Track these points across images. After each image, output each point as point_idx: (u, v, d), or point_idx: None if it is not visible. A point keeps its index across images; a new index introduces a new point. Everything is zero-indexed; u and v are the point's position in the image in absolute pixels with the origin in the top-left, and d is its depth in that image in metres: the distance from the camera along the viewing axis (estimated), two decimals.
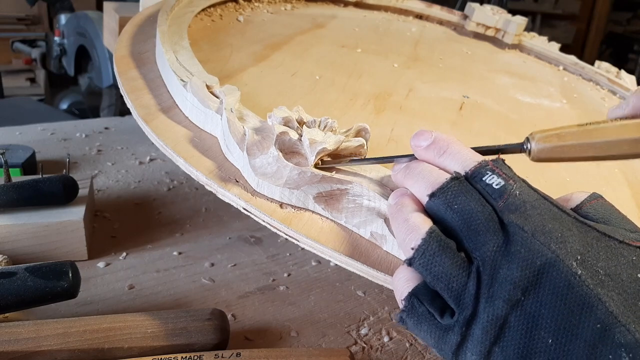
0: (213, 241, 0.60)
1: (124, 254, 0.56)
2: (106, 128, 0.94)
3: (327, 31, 0.77)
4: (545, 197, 0.27)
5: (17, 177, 0.57)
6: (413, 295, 0.27)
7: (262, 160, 0.35)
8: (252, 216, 0.35)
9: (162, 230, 0.62)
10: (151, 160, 0.81)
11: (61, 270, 0.41)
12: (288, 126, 0.35)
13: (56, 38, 2.52)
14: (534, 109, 0.67)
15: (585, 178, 0.50)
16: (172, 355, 0.38)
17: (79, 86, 2.51)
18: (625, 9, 4.09)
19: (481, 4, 1.00)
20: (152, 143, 0.42)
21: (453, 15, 0.99)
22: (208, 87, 0.42)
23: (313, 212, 0.35)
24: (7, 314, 0.42)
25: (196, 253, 0.58)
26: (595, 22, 4.01)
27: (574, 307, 0.24)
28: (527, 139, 0.30)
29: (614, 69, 0.90)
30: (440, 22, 1.00)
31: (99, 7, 2.40)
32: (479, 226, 0.26)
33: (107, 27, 1.02)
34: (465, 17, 0.98)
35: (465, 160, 0.29)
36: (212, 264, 0.56)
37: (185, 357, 0.38)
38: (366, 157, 0.36)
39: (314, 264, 0.58)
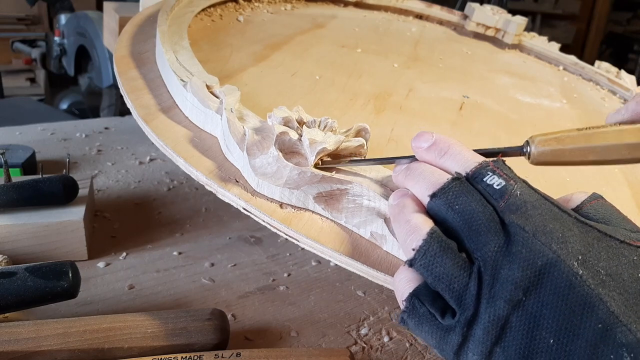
0: (213, 241, 0.60)
1: (124, 254, 0.56)
2: (106, 128, 0.94)
3: (327, 31, 0.77)
4: (546, 198, 0.27)
5: (17, 177, 0.57)
6: (414, 295, 0.27)
7: (262, 160, 0.35)
8: (252, 216, 0.35)
9: (162, 230, 0.62)
10: (151, 160, 0.81)
11: (61, 270, 0.41)
12: (288, 126, 0.35)
13: (56, 38, 2.52)
14: (534, 109, 0.67)
15: (585, 178, 0.50)
16: (172, 355, 0.38)
17: (79, 86, 2.51)
18: (625, 9, 4.09)
19: (481, 4, 1.00)
20: (152, 143, 0.42)
21: (453, 15, 0.99)
22: (208, 87, 0.42)
23: (313, 212, 0.35)
24: (7, 314, 0.42)
25: (196, 253, 0.58)
26: (595, 22, 4.01)
27: (576, 307, 0.24)
28: (527, 142, 0.31)
29: (614, 69, 0.90)
30: (440, 22, 1.00)
31: (99, 7, 2.40)
32: (480, 226, 0.26)
33: (107, 27, 1.02)
34: (465, 17, 0.98)
35: (466, 161, 0.29)
36: (212, 264, 0.56)
37: (185, 357, 0.38)
38: (366, 157, 0.36)
39: (314, 264, 0.58)
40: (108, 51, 1.59)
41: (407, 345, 0.47)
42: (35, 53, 2.98)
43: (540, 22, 3.91)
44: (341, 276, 0.56)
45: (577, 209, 0.29)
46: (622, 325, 0.23)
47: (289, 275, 0.55)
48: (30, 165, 0.70)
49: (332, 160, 0.35)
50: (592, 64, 0.92)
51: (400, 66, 0.69)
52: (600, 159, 0.30)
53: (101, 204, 0.66)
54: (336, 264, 0.34)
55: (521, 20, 0.94)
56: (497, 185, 0.28)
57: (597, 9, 3.99)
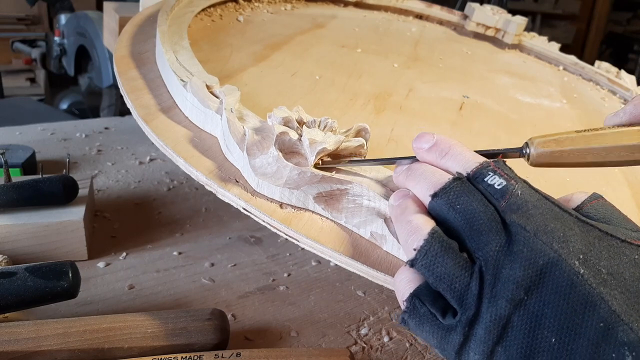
0: (213, 241, 0.60)
1: (124, 254, 0.56)
2: (106, 128, 0.94)
3: (327, 31, 0.77)
4: (546, 197, 0.28)
5: (17, 177, 0.57)
6: (415, 296, 0.27)
7: (262, 161, 0.35)
8: (252, 216, 0.35)
9: (162, 230, 0.62)
10: (151, 160, 0.81)
11: (61, 270, 0.41)
12: (288, 126, 0.35)
13: (56, 38, 2.52)
14: (534, 109, 0.67)
15: (585, 178, 0.50)
16: (172, 355, 0.38)
17: (79, 86, 2.51)
18: (625, 9, 4.09)
19: (481, 4, 1.00)
20: (152, 143, 0.42)
21: (453, 15, 0.99)
22: (208, 87, 0.42)
23: (313, 212, 0.35)
24: (7, 314, 0.42)
25: (196, 253, 0.58)
26: (595, 22, 4.01)
27: (577, 306, 0.24)
28: (526, 144, 0.31)
29: (614, 69, 0.90)
30: (440, 22, 1.00)
31: (99, 7, 2.40)
32: (481, 226, 0.26)
33: (107, 27, 1.02)
34: (465, 17, 0.98)
35: (467, 162, 0.29)
36: (212, 264, 0.56)
37: (185, 357, 0.38)
38: (366, 157, 0.36)
39: (314, 264, 0.58)
40: (108, 51, 1.59)
41: (407, 345, 0.47)
42: (35, 53, 2.98)
43: (540, 22, 3.90)
44: (341, 276, 0.56)
45: (577, 209, 0.29)
46: (624, 324, 0.23)
47: (289, 275, 0.55)
48: (30, 165, 0.70)
49: (332, 160, 0.35)
50: (592, 64, 0.92)
51: (400, 66, 0.69)
52: (598, 160, 0.30)
53: (101, 204, 0.66)
54: (336, 264, 0.34)
55: (521, 20, 0.94)
56: (498, 185, 0.28)
57: (597, 9, 3.99)
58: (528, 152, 0.31)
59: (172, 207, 0.67)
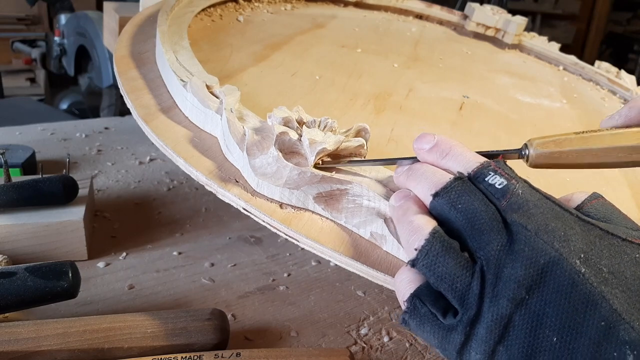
0: (213, 241, 0.60)
1: (124, 254, 0.56)
2: (106, 128, 0.94)
3: (327, 31, 0.77)
4: (547, 197, 0.28)
5: (17, 177, 0.57)
6: (415, 296, 0.27)
7: (262, 161, 0.35)
8: (252, 216, 0.35)
9: (162, 230, 0.62)
10: (151, 160, 0.81)
11: (61, 270, 0.41)
12: (288, 126, 0.35)
13: (56, 38, 2.52)
14: (534, 109, 0.67)
15: (585, 178, 0.50)
16: (172, 355, 0.38)
17: (79, 86, 2.51)
18: (625, 9, 4.09)
19: (481, 4, 1.00)
20: (152, 143, 0.42)
21: (453, 15, 0.99)
22: (208, 87, 0.42)
23: (313, 212, 0.35)
24: (7, 314, 0.42)
25: (196, 253, 0.58)
26: (595, 22, 4.01)
27: (578, 305, 0.24)
28: (525, 145, 0.31)
29: (614, 69, 0.90)
30: (440, 22, 1.00)
31: (99, 7, 2.40)
32: (483, 225, 0.26)
33: (107, 27, 1.02)
34: (465, 17, 0.98)
35: (468, 162, 0.29)
36: (212, 264, 0.56)
37: (185, 357, 0.38)
38: (366, 157, 0.36)
39: (314, 264, 0.58)
40: (108, 51, 1.59)
41: (407, 345, 0.47)
42: (35, 53, 2.98)
43: (540, 22, 3.90)
44: (341, 276, 0.56)
45: (577, 209, 0.29)
46: (625, 322, 0.23)
47: (289, 275, 0.55)
48: (30, 165, 0.70)
49: (332, 160, 0.35)
50: (592, 64, 0.92)
51: (400, 66, 0.69)
52: (597, 161, 0.30)
53: (101, 204, 0.66)
54: (336, 264, 0.34)
55: (521, 20, 0.94)
56: (499, 185, 0.28)
57: (597, 9, 3.99)
58: (527, 153, 0.31)
59: (172, 207, 0.67)
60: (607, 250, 0.25)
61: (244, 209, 0.36)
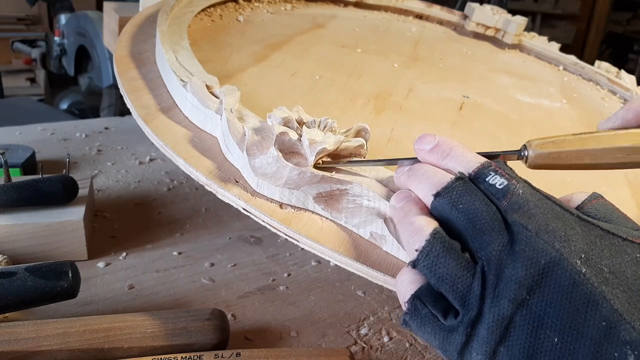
0: (213, 241, 0.60)
1: (124, 254, 0.56)
2: (106, 128, 0.94)
3: (327, 31, 0.77)
4: (547, 197, 0.28)
5: (17, 177, 0.57)
6: (416, 297, 0.27)
7: (261, 161, 0.35)
8: (252, 216, 0.35)
9: (162, 230, 0.62)
10: (151, 160, 0.81)
11: (61, 270, 0.41)
12: (288, 126, 0.35)
13: (56, 38, 2.52)
14: (534, 109, 0.67)
15: (585, 178, 0.50)
16: (172, 355, 0.38)
17: (79, 86, 2.51)
18: (625, 9, 4.09)
19: (481, 4, 1.00)
20: (152, 143, 0.42)
21: (453, 15, 0.99)
22: (208, 87, 0.42)
23: (313, 212, 0.35)
24: (7, 314, 0.42)
25: (196, 253, 0.58)
26: (595, 22, 4.01)
27: (579, 305, 0.24)
28: (524, 146, 0.31)
29: (614, 69, 0.90)
30: (440, 22, 1.00)
31: (99, 7, 2.40)
32: (484, 225, 0.26)
33: (107, 27, 1.02)
34: (465, 17, 0.98)
35: (469, 162, 0.30)
36: (212, 264, 0.56)
37: (185, 357, 0.38)
38: (366, 157, 0.36)
39: (314, 264, 0.58)
40: (108, 51, 1.59)
41: (407, 345, 0.47)
42: (35, 53, 2.98)
43: (540, 22, 3.90)
44: (341, 276, 0.56)
45: (578, 209, 0.29)
46: (626, 322, 0.23)
47: (289, 275, 0.55)
48: (30, 165, 0.70)
49: (332, 160, 0.35)
50: (592, 64, 0.92)
51: (400, 66, 0.69)
52: (595, 162, 0.31)
53: (101, 204, 0.66)
54: (336, 264, 0.34)
55: (521, 20, 0.94)
56: (500, 185, 0.28)
57: (597, 9, 3.99)
58: (526, 154, 0.31)
59: (172, 207, 0.67)
60: (607, 250, 0.25)
61: (244, 209, 0.36)
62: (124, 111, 0.72)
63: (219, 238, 0.61)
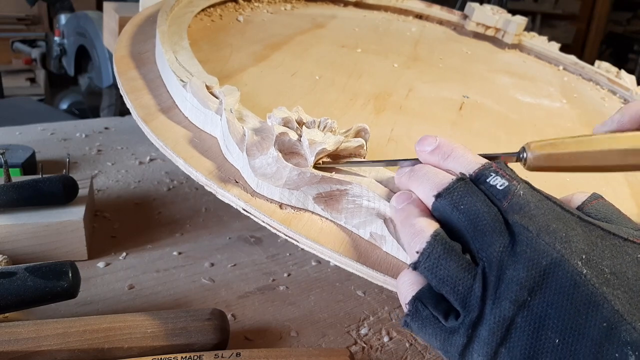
0: (213, 241, 0.60)
1: (124, 254, 0.56)
2: (106, 128, 0.94)
3: (327, 31, 0.77)
4: (548, 197, 0.28)
5: (17, 177, 0.57)
6: (417, 299, 0.27)
7: (261, 161, 0.35)
8: (252, 217, 0.35)
9: (162, 230, 0.62)
10: (151, 160, 0.81)
11: (61, 270, 0.41)
12: (287, 127, 0.35)
13: (56, 38, 2.52)
14: (534, 109, 0.67)
15: (585, 178, 0.50)
16: (172, 355, 0.38)
17: (79, 86, 2.51)
18: (625, 9, 4.09)
19: (481, 3, 1.00)
20: (152, 143, 0.42)
21: (453, 15, 0.99)
22: (208, 87, 0.42)
23: (313, 212, 0.35)
24: (7, 314, 0.42)
25: (196, 253, 0.58)
26: (595, 22, 4.01)
27: (580, 306, 0.24)
28: (523, 149, 0.32)
29: (614, 69, 0.90)
30: (440, 22, 1.00)
31: (99, 7, 2.40)
32: (485, 226, 0.26)
33: (107, 27, 1.02)
34: (465, 17, 0.98)
35: (469, 163, 0.30)
36: (212, 264, 0.56)
37: (185, 357, 0.38)
38: (366, 157, 0.36)
39: (314, 264, 0.58)
40: (108, 51, 1.59)
41: (407, 345, 0.47)
42: (35, 53, 2.98)
43: (540, 22, 3.90)
44: (341, 276, 0.56)
45: (578, 209, 0.29)
46: (627, 323, 0.23)
47: (289, 275, 0.55)
48: (30, 165, 0.70)
49: (332, 160, 0.35)
50: (592, 64, 0.92)
51: (400, 66, 0.69)
52: (593, 164, 0.31)
53: (101, 204, 0.66)
54: (336, 264, 0.34)
55: (521, 20, 0.94)
56: (500, 186, 0.28)
57: (597, 9, 3.99)
58: (525, 156, 0.31)
59: (172, 207, 0.67)
60: (608, 250, 0.25)
61: (244, 209, 0.36)
62: (124, 111, 0.72)
63: (219, 238, 0.61)
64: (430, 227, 0.28)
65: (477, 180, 0.29)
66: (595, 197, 0.30)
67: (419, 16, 0.99)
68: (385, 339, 0.47)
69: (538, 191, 0.28)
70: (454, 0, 2.33)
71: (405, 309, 0.28)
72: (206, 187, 0.37)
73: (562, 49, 0.97)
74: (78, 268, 0.42)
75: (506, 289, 0.25)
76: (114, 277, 0.52)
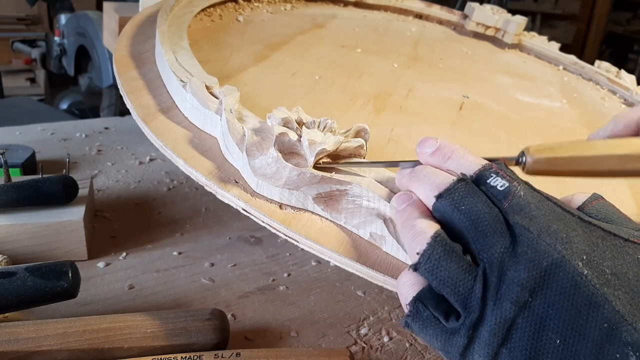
0: (213, 241, 0.60)
1: (124, 254, 0.56)
2: (106, 128, 0.94)
3: (327, 31, 0.77)
4: (548, 198, 0.28)
5: (17, 177, 0.57)
6: (418, 299, 0.27)
7: (261, 161, 0.35)
8: (252, 217, 0.35)
9: (162, 230, 0.62)
10: (151, 160, 0.81)
11: (61, 270, 0.41)
12: (287, 127, 0.35)
13: (56, 38, 2.52)
14: (534, 109, 0.67)
15: (585, 179, 0.50)
16: (172, 355, 0.38)
17: (79, 86, 2.51)
18: (625, 9, 4.09)
19: (481, 3, 1.00)
20: (152, 143, 0.42)
21: (453, 15, 0.99)
22: (207, 87, 0.42)
23: (312, 212, 0.35)
24: (7, 314, 0.42)
25: (196, 253, 0.58)
26: (595, 22, 4.01)
27: (581, 307, 0.24)
28: (522, 153, 0.32)
29: (614, 69, 0.90)
30: (440, 22, 1.00)
31: (99, 7, 2.40)
32: (486, 227, 0.26)
33: (107, 27, 1.02)
34: (465, 16, 0.98)
35: (470, 164, 0.30)
36: (212, 264, 0.56)
37: (185, 357, 0.38)
38: (366, 157, 0.36)
39: (314, 264, 0.58)
40: (108, 51, 1.59)
41: (407, 345, 0.47)
42: (35, 53, 2.98)
43: (540, 22, 3.90)
44: (341, 276, 0.56)
45: (579, 210, 0.29)
46: (628, 324, 0.23)
47: (289, 275, 0.55)
48: (30, 165, 0.70)
49: (332, 161, 0.35)
50: (592, 63, 0.92)
51: (400, 66, 0.69)
52: (592, 169, 0.31)
53: (101, 204, 0.66)
54: (336, 264, 0.34)
55: (521, 20, 0.94)
56: (501, 187, 0.28)
57: (597, 9, 3.99)
58: (524, 160, 0.31)
59: (172, 207, 0.67)
60: (609, 251, 0.25)
61: (244, 209, 0.36)
62: (124, 111, 0.72)
63: (219, 238, 0.61)
64: (430, 228, 0.28)
65: (477, 181, 0.29)
66: (596, 198, 0.30)
67: (419, 16, 0.99)
68: (385, 339, 0.47)
69: (538, 192, 0.28)
70: (454, 0, 2.33)
71: (406, 309, 0.28)
72: (206, 187, 0.37)
73: (562, 49, 0.97)
74: (78, 268, 0.42)
75: (507, 289, 0.25)
76: (114, 277, 0.52)
